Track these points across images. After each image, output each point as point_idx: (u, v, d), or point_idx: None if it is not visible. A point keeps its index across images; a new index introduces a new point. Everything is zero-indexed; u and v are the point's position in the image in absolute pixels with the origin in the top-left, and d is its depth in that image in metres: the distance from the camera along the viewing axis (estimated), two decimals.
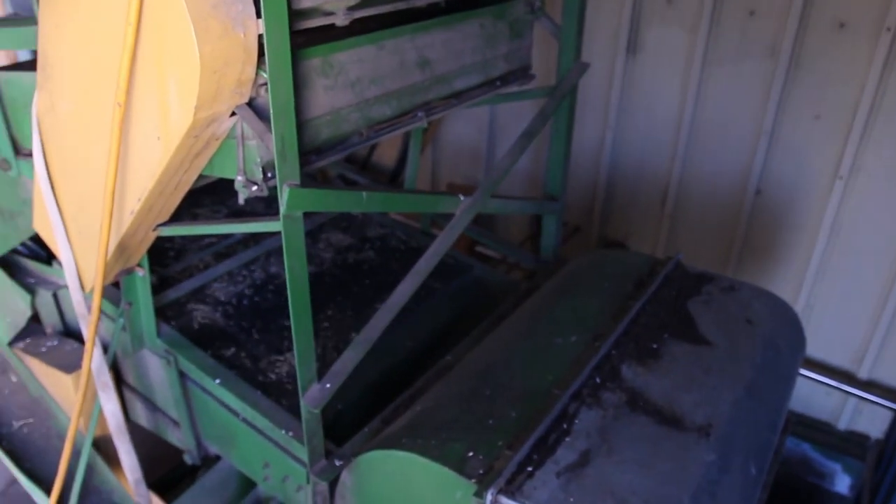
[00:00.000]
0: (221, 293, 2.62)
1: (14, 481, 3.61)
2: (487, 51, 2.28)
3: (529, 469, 1.73)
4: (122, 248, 1.87)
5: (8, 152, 2.27)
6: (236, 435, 2.21)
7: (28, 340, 2.59)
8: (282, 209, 1.57)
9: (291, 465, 2.06)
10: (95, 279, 1.78)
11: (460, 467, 1.71)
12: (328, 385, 1.81)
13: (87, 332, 1.98)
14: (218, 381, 2.14)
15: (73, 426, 2.16)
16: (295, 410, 2.09)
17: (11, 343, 2.58)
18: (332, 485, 1.99)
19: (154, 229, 1.90)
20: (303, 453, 1.99)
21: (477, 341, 2.34)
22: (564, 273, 2.61)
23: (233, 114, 1.55)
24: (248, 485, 2.47)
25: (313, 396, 1.79)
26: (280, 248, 2.89)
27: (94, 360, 2.11)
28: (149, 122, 1.54)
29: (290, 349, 2.41)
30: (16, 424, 2.49)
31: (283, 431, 2.03)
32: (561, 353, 2.11)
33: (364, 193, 1.76)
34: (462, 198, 2.12)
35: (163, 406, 2.44)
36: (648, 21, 3.65)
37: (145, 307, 2.19)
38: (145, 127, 1.56)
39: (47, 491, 2.33)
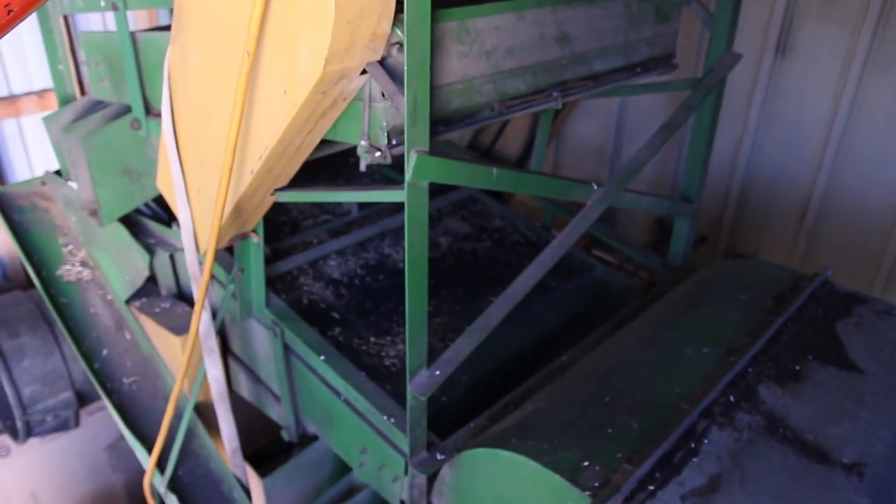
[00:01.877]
0: (332, 271, 2.54)
1: (122, 437, 3.69)
2: (630, 32, 2.09)
3: (651, 488, 1.54)
4: (239, 210, 1.81)
5: (140, 112, 2.27)
6: (336, 416, 2.12)
7: (144, 300, 2.60)
8: (407, 176, 1.44)
9: (390, 453, 1.95)
10: (210, 239, 1.72)
11: (574, 476, 1.54)
12: (437, 372, 1.68)
13: (197, 293, 1.93)
14: (322, 358, 2.05)
15: (178, 387, 2.13)
16: (399, 397, 1.98)
17: (128, 301, 2.60)
18: (431, 479, 1.86)
19: (272, 194, 1.82)
20: (403, 442, 1.87)
21: (595, 344, 2.16)
22: (695, 281, 2.38)
23: (363, 72, 1.45)
24: (342, 469, 2.38)
25: (421, 383, 1.66)
26: (395, 230, 2.86)
27: (202, 323, 2.07)
28: (276, 74, 1.45)
29: (397, 333, 2.31)
30: (126, 381, 2.50)
31: (385, 417, 1.91)
32: (690, 365, 1.90)
33: (494, 169, 1.61)
34: (595, 187, 1.95)
35: (265, 379, 2.38)
36: (803, 18, 3.34)
37: (256, 275, 2.13)
38: (272, 80, 1.47)
39: (149, 448, 2.31)
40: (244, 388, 2.50)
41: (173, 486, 2.34)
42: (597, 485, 1.52)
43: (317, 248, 2.58)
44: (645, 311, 2.29)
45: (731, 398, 1.77)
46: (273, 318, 2.16)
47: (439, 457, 1.81)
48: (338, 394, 2.09)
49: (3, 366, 3.41)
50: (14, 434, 3.65)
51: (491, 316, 1.78)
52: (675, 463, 1.60)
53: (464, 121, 1.64)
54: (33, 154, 4.12)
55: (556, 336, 2.45)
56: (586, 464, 1.57)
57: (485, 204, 3.03)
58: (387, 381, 2.06)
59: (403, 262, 2.71)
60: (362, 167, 1.56)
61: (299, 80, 1.41)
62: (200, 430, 2.46)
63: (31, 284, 4.24)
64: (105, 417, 4.02)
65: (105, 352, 2.52)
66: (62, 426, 3.64)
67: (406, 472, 1.92)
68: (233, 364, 2.49)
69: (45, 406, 3.54)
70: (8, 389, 3.42)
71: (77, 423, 3.67)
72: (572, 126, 4.27)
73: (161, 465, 2.33)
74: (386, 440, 1.96)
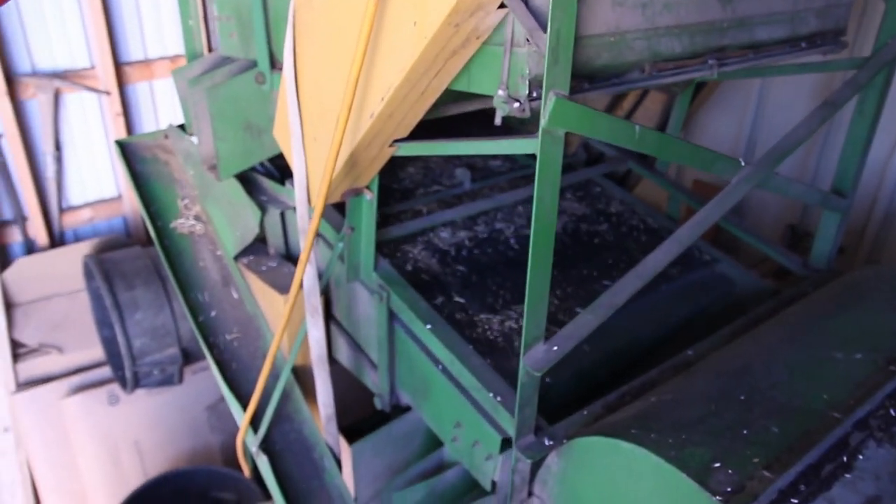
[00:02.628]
0: (440, 241, 2.41)
1: (222, 399, 3.70)
2: (800, 0, 1.86)
3: (794, 501, 1.32)
4: (354, 160, 1.70)
5: (266, 66, 2.21)
6: (433, 387, 1.99)
7: (251, 258, 2.56)
8: (542, 122, 1.28)
9: (486, 430, 1.80)
10: (321, 187, 1.61)
11: (703, 478, 1.34)
12: (556, 348, 1.51)
13: (303, 245, 1.84)
14: (429, 326, 1.92)
15: (276, 344, 2.05)
16: (505, 373, 1.83)
17: (237, 257, 2.56)
18: (535, 466, 1.69)
19: (390, 145, 1.70)
20: (506, 421, 1.72)
21: (727, 341, 1.93)
22: (845, 283, 2.11)
23: (501, 6, 1.30)
24: (432, 444, 2.24)
25: (537, 358, 1.50)
26: (508, 205, 2.71)
27: (306, 280, 1.98)
28: (406, 4, 1.32)
29: (503, 309, 2.16)
30: (228, 337, 2.46)
31: (490, 393, 1.76)
32: (840, 371, 1.65)
33: (637, 127, 1.43)
34: (743, 163, 1.73)
35: (364, 345, 2.28)
36: None
37: (367, 235, 2.02)
38: (401, 11, 1.34)
39: (244, 406, 2.26)
40: (343, 355, 2.41)
41: (265, 447, 2.28)
42: (729, 489, 1.32)
43: (426, 217, 2.46)
44: (783, 311, 2.05)
45: (893, 411, 1.52)
46: (380, 282, 2.05)
47: (547, 442, 1.64)
48: (437, 364, 1.96)
49: (118, 316, 3.48)
50: (123, 383, 3.73)
51: (617, 293, 1.60)
52: (822, 477, 1.38)
53: (610, 80, 1.47)
54: (162, 116, 4.22)
55: (675, 329, 2.24)
56: (717, 465, 1.37)
57: (604, 188, 2.83)
58: (490, 358, 1.91)
59: (515, 237, 2.58)
60: (498, 120, 1.42)
61: (431, 10, 1.27)
62: (297, 393, 2.39)
63: (151, 242, 4.35)
64: (207, 378, 4.07)
65: (210, 304, 2.49)
66: (167, 381, 3.69)
67: (500, 450, 1.77)
68: (334, 329, 2.40)
69: (153, 359, 3.59)
70: (120, 339, 3.49)
71: (181, 380, 3.71)
72: (702, 120, 3.98)
73: (255, 424, 2.27)
74: (484, 416, 1.81)
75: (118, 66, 3.98)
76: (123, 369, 3.57)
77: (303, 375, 2.45)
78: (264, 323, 2.47)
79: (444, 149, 1.58)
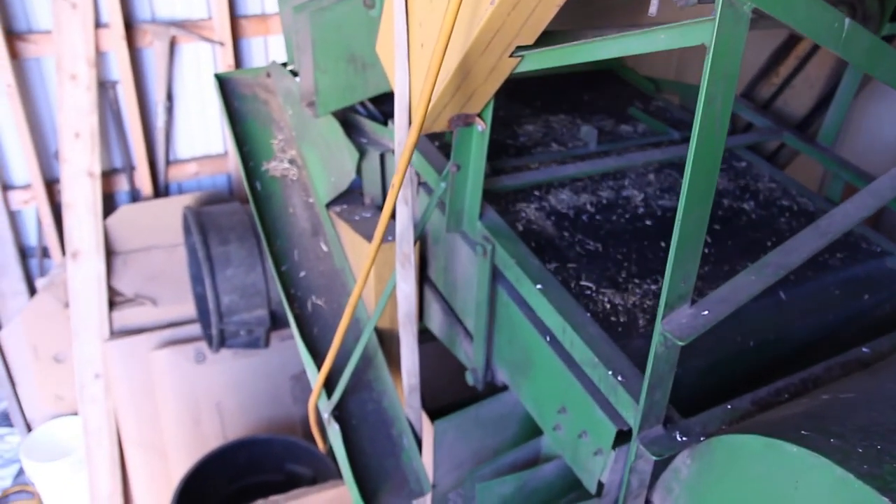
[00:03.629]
0: (557, 201, 2.07)
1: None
2: None
3: None
4: (466, 70, 1.39)
5: None
6: (537, 362, 1.65)
7: (345, 206, 2.30)
8: None
9: (598, 418, 1.44)
10: (424, 86, 1.31)
11: None
12: (705, 312, 1.14)
13: (397, 168, 1.54)
14: (539, 287, 1.58)
15: (356, 294, 1.77)
16: (628, 350, 1.47)
17: (329, 205, 2.31)
18: (658, 467, 1.33)
19: (511, 55, 1.38)
20: (626, 408, 1.36)
21: None
22: None
23: None
24: (529, 433, 1.90)
25: (679, 323, 1.14)
26: (639, 169, 2.33)
27: (399, 221, 1.69)
28: None
29: (626, 282, 1.80)
30: (313, 295, 2.21)
31: (608, 371, 1.40)
32: None
33: (847, 20, 1.05)
34: None
35: (461, 311, 1.97)
36: None
37: (474, 175, 1.71)
38: None
39: (319, 366, 1.99)
40: (435, 322, 2.11)
41: (338, 414, 2.01)
42: None
43: (543, 171, 2.12)
44: None
45: None
46: (485, 234, 1.73)
47: (679, 438, 1.27)
48: (545, 335, 1.62)
49: (209, 269, 3.33)
50: (210, 342, 3.58)
51: (791, 252, 1.21)
52: None
53: None
54: None
55: (834, 326, 1.81)
56: None
57: (750, 162, 2.41)
58: (609, 332, 1.55)
59: (644, 207, 2.20)
60: (652, 10, 1.07)
61: None
62: (379, 359, 2.10)
63: None
64: (294, 347, 3.87)
65: (296, 254, 2.25)
66: (253, 343, 3.52)
67: (614, 445, 1.42)
68: (427, 293, 2.11)
69: (241, 319, 3.42)
70: (209, 294, 3.33)
71: (267, 344, 3.52)
72: (865, 106, 3.44)
73: (330, 387, 2.00)
74: (596, 399, 1.46)
75: (234, 18, 3.86)
76: (211, 326, 3.42)
77: (388, 342, 2.17)
78: (351, 278, 2.21)
79: (585, 52, 1.24)
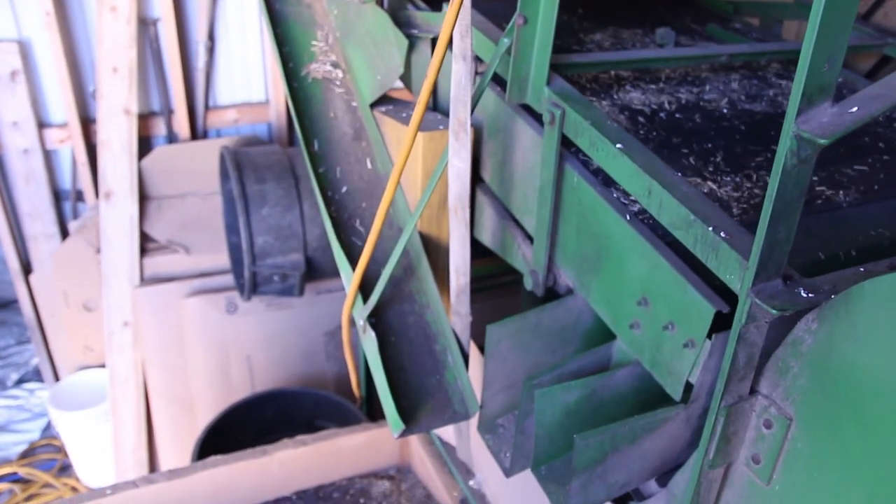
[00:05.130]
0: (633, 99, 1.82)
1: (341, 327, 3.26)
2: None
3: None
4: None
5: None
6: (611, 249, 1.39)
7: (391, 107, 2.07)
8: None
9: (690, 300, 1.18)
10: None
11: None
12: (854, 109, 0.88)
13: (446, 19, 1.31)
14: (619, 146, 1.32)
15: (397, 172, 1.53)
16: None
17: (374, 106, 2.09)
18: (770, 341, 1.06)
19: None
20: (732, 268, 1.09)
21: None
22: None
23: None
24: (593, 338, 1.63)
25: (819, 121, 0.87)
26: (723, 77, 2.06)
27: (455, 82, 1.45)
28: None
29: (717, 174, 1.54)
30: (351, 194, 1.98)
31: (708, 227, 1.14)
32: None
33: None
34: None
35: (518, 209, 1.72)
36: None
37: (543, 31, 1.45)
38: None
39: (355, 266, 1.76)
40: (486, 229, 1.86)
41: (375, 323, 1.77)
42: None
43: (616, 52, 1.86)
44: None
45: None
46: (553, 100, 1.47)
47: (805, 294, 1.01)
48: (624, 213, 1.37)
49: (244, 207, 3.14)
50: (241, 290, 3.39)
51: None
52: None
53: None
54: None
55: None
56: None
57: (844, 78, 2.12)
58: None
59: (731, 107, 1.93)
60: None
61: None
62: (423, 269, 1.86)
63: (291, 145, 4.03)
64: (330, 301, 3.67)
65: (335, 157, 2.02)
66: (287, 291, 3.31)
67: (709, 333, 1.15)
68: (478, 196, 1.86)
69: (274, 262, 3.22)
70: (243, 233, 3.13)
71: (301, 292, 3.31)
72: None
73: (366, 294, 1.77)
74: (689, 280, 1.20)
75: None
76: (243, 268, 3.22)
77: (434, 252, 1.93)
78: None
79: None
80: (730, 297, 1.14)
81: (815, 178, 1.62)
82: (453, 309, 1.72)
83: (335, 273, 2.94)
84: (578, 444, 1.26)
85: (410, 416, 1.69)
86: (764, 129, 1.80)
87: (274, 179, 3.24)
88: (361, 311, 1.74)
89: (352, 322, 1.83)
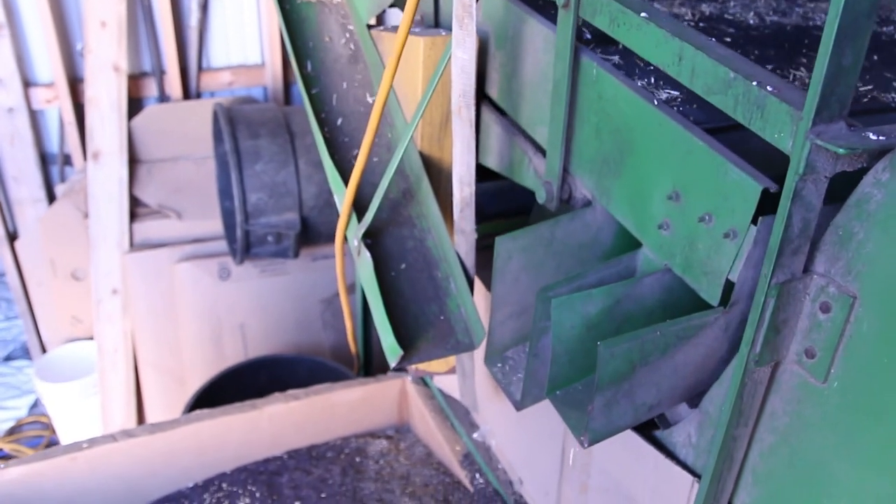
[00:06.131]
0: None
1: (338, 294, 3.10)
2: None
3: None
4: None
5: None
6: (636, 142, 1.23)
7: (391, 26, 1.92)
8: None
9: (731, 181, 1.02)
10: None
11: None
12: None
13: None
14: (644, 14, 1.17)
15: (388, 76, 1.37)
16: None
17: (371, 27, 1.93)
18: (832, 195, 0.90)
19: None
20: (782, 123, 0.92)
21: None
22: None
23: None
24: (613, 248, 1.46)
25: None
26: None
27: None
28: None
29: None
30: (347, 117, 1.83)
31: (753, 83, 0.98)
32: None
33: None
34: None
35: (528, 120, 1.56)
36: None
37: None
38: None
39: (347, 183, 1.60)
40: (492, 151, 1.70)
41: (373, 249, 1.61)
42: None
43: None
44: None
45: None
46: None
47: (875, 136, 0.85)
48: (651, 97, 1.21)
49: (236, 162, 2.99)
50: (234, 253, 3.23)
51: None
52: None
53: None
54: None
55: None
56: None
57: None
58: None
59: (757, 19, 1.78)
60: None
61: None
62: (424, 191, 1.70)
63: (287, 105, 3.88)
64: (326, 267, 3.51)
65: (328, 79, 1.87)
66: (281, 253, 3.15)
67: (755, 218, 0.99)
68: (483, 115, 1.70)
69: (268, 221, 3.06)
70: (235, 190, 2.98)
71: (296, 254, 3.16)
72: None
73: (361, 212, 1.61)
74: (728, 159, 1.04)
75: None
76: (234, 227, 3.07)
77: (435, 176, 1.77)
78: (394, 102, 1.81)
79: None
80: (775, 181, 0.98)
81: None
82: (456, 227, 1.56)
83: (331, 237, 2.79)
84: (603, 354, 1.10)
85: (409, 346, 1.53)
86: (798, 38, 1.64)
87: (268, 135, 3.09)
88: (356, 231, 1.58)
89: (345, 241, 1.67)
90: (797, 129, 0.89)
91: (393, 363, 1.47)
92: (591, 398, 1.15)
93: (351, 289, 3.37)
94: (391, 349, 1.47)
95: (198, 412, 2.19)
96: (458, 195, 1.51)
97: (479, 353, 1.81)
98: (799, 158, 0.87)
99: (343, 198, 1.61)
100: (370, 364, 3.03)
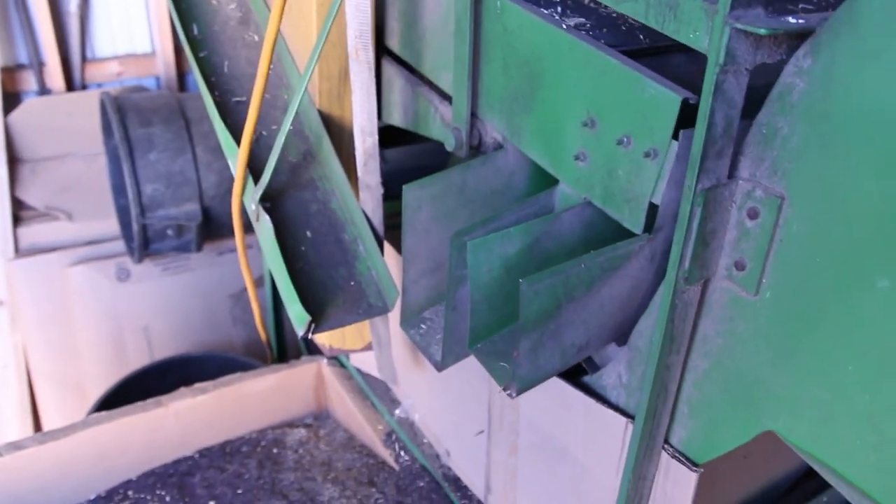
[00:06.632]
0: None
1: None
2: None
3: None
4: None
5: None
6: (548, 71, 1.16)
7: None
8: None
9: (648, 97, 0.95)
10: None
11: None
12: None
13: None
14: None
15: (276, 17, 1.25)
16: None
17: None
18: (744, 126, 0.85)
19: None
20: (696, 24, 0.86)
21: None
22: None
23: None
24: (528, 193, 1.38)
25: None
26: None
27: None
28: None
29: None
30: (238, 79, 1.69)
31: None
32: None
33: None
34: None
35: (432, 68, 1.47)
36: None
37: None
38: None
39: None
40: (395, 107, 1.60)
41: (273, 214, 1.48)
42: None
43: None
44: None
45: None
46: None
47: (793, 20, 0.79)
48: (560, 24, 1.14)
49: (127, 152, 2.78)
50: (131, 249, 3.01)
51: None
52: None
53: None
54: None
55: None
56: None
57: None
58: None
59: None
60: None
61: None
62: (325, 153, 1.58)
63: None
64: (233, 261, 3.32)
65: (217, 42, 1.73)
66: (184, 246, 2.96)
67: (675, 132, 0.93)
68: (384, 70, 1.60)
69: (167, 214, 2.86)
70: (129, 181, 2.77)
71: (200, 248, 2.97)
72: None
73: (258, 176, 1.48)
74: (644, 72, 0.98)
75: None
76: (131, 222, 2.86)
77: (338, 134, 1.66)
78: (288, 58, 1.69)
79: None
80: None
81: None
82: (361, 182, 1.45)
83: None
84: (526, 292, 1.01)
85: (319, 314, 1.41)
86: None
87: (161, 122, 2.89)
88: (252, 194, 1.45)
89: (243, 210, 1.54)
90: (713, 23, 0.83)
91: (301, 332, 1.34)
92: (517, 343, 1.06)
93: (259, 282, 3.20)
94: (298, 317, 1.34)
95: (95, 415, 2.00)
96: (360, 147, 1.40)
97: (395, 321, 1.70)
98: (718, 48, 0.80)
99: (237, 160, 1.48)
100: (284, 354, 2.87)
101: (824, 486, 1.69)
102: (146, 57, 3.57)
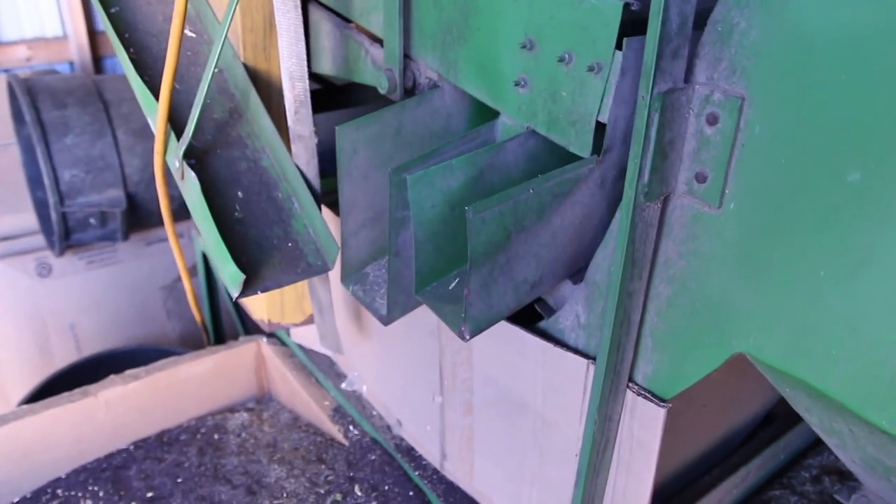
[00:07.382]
0: None
1: (181, 279, 2.77)
2: None
3: None
4: None
5: None
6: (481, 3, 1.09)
7: None
8: None
9: (590, 7, 0.89)
10: None
11: None
12: None
13: None
14: None
15: None
16: None
17: None
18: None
19: None
20: None
21: None
22: None
23: None
24: (467, 128, 1.30)
25: None
26: None
27: None
28: None
29: None
30: (154, 35, 1.56)
31: None
32: None
33: None
34: None
35: (360, 10, 1.37)
36: None
37: None
38: None
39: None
40: (325, 55, 1.50)
41: (200, 173, 1.36)
42: None
43: None
44: None
45: None
46: None
47: None
48: None
49: (41, 137, 2.58)
50: (51, 242, 2.82)
51: None
52: None
53: None
54: None
55: None
56: None
57: None
58: None
59: None
60: None
61: None
62: (254, 106, 1.47)
63: None
64: (164, 251, 3.15)
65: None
66: (108, 236, 2.78)
67: (619, 42, 0.87)
68: (313, 16, 1.50)
69: (88, 201, 2.68)
70: (44, 167, 2.58)
71: (126, 236, 2.80)
72: None
73: (179, 130, 1.36)
74: None
75: None
76: (49, 209, 2.67)
77: (265, 89, 1.55)
78: (209, 13, 1.56)
79: None
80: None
81: None
82: (292, 132, 1.35)
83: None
84: (473, 221, 0.93)
85: (254, 275, 1.30)
86: None
87: (77, 104, 2.70)
88: (175, 151, 1.33)
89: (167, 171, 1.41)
90: None
91: (235, 292, 1.23)
92: (467, 281, 0.98)
93: (192, 271, 3.04)
94: (232, 277, 1.23)
95: (16, 409, 1.83)
96: (289, 94, 1.30)
97: (337, 287, 1.61)
98: None
99: (156, 116, 1.35)
100: (222, 339, 2.73)
101: (780, 433, 1.67)
102: (57, 41, 3.36)
